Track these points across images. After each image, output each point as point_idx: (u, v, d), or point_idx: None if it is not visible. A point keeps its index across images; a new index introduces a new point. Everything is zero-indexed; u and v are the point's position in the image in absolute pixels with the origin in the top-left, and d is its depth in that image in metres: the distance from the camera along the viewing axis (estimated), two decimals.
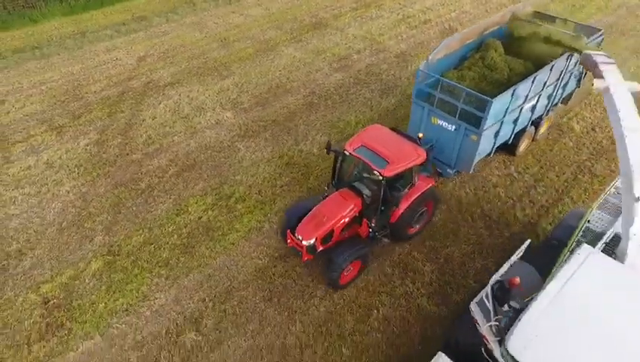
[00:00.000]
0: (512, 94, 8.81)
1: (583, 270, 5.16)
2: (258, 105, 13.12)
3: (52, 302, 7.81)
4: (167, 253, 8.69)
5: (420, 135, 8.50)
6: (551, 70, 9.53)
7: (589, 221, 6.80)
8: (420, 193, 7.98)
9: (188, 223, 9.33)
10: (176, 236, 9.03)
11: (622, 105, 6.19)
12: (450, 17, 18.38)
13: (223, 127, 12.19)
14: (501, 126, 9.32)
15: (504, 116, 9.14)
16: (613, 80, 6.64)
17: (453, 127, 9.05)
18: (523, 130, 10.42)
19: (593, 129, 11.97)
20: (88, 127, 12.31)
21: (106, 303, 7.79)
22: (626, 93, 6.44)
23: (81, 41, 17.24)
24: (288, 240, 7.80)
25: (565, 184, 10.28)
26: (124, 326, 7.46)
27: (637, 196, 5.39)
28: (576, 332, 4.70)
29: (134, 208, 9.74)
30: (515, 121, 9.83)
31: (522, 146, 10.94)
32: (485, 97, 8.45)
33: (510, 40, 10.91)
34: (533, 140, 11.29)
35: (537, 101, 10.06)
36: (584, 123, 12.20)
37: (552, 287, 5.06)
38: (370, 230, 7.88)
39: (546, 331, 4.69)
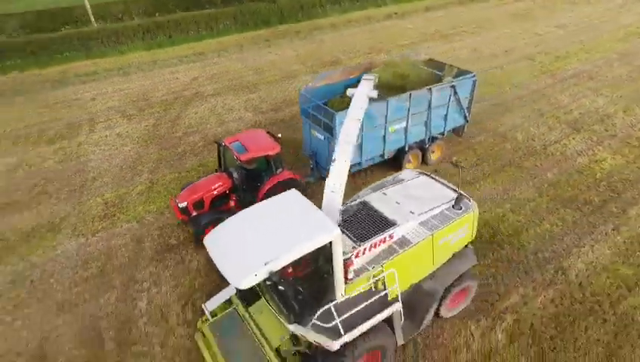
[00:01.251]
0: (387, 104, 10.79)
1: (279, 198, 6.40)
2: (272, 110, 17.32)
3: (110, 203, 11.84)
4: None
5: (279, 135, 10.58)
6: (409, 98, 11.19)
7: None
8: (281, 180, 10.12)
9: (206, 172, 13.24)
10: (196, 177, 12.95)
11: (355, 102, 7.80)
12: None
13: (243, 121, 16.40)
14: (362, 139, 10.99)
15: (363, 128, 10.57)
16: (360, 89, 8.22)
17: (322, 136, 11.20)
18: (403, 150, 12.17)
19: (532, 139, 14.78)
20: (149, 117, 17.03)
21: (143, 206, 11.68)
22: (362, 95, 7.98)
23: (153, 66, 22.95)
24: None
25: (491, 170, 13.09)
26: (152, 219, 11.24)
27: (333, 158, 6.77)
28: (244, 228, 5.94)
29: (172, 162, 13.86)
30: (384, 138, 11.53)
31: (408, 165, 12.49)
32: (332, 111, 10.49)
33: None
34: (425, 163, 12.94)
35: (407, 125, 11.67)
36: (527, 134, 15.04)
37: (251, 208, 6.28)
38: (238, 203, 10.27)
39: (227, 230, 5.99)
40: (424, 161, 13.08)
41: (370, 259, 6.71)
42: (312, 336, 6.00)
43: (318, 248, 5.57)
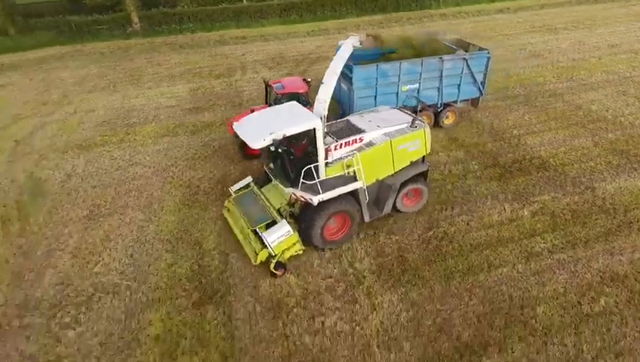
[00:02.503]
0: (377, 69, 12.89)
1: (285, 105, 9.69)
2: None
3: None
4: None
5: (310, 80, 13.95)
6: (422, 64, 13.26)
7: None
8: None
9: None
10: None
11: (343, 48, 10.51)
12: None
13: None
14: (376, 92, 13.25)
15: (376, 84, 13.11)
16: (348, 40, 10.96)
17: (346, 88, 13.62)
18: (416, 109, 12.66)
19: (606, 110, 16.42)
20: (284, 69, 22.10)
21: None
22: (349, 44, 10.68)
23: (287, 36, 28.40)
24: None
25: (557, 126, 15.37)
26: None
27: (322, 81, 9.53)
28: (259, 117, 9.10)
29: None
30: (397, 95, 13.52)
31: None
32: (351, 65, 12.53)
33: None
34: (438, 125, 14.71)
35: (419, 87, 13.59)
36: (602, 106, 16.64)
37: (265, 109, 9.75)
38: None
39: (248, 118, 9.22)
40: (437, 123, 14.74)
41: (345, 153, 9.33)
42: (300, 193, 8.81)
43: (306, 131, 8.38)
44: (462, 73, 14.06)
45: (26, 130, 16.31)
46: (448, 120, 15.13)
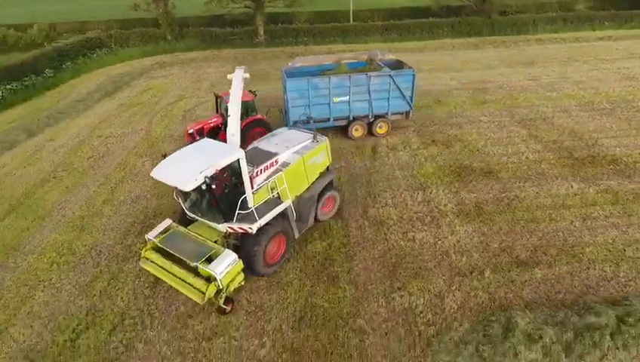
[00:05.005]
0: (308, 82, 15.01)
1: (198, 143, 9.40)
2: (470, 83, 23.87)
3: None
4: None
5: (256, 91, 16.15)
6: (349, 79, 15.26)
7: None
8: (253, 119, 15.09)
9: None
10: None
11: (235, 81, 10.91)
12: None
13: (447, 86, 23.44)
14: (309, 102, 15.18)
15: (310, 95, 15.11)
16: (237, 73, 11.28)
17: (285, 96, 15.68)
18: (352, 121, 16.16)
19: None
20: None
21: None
22: (239, 76, 11.09)
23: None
24: None
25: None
26: None
27: (228, 114, 10.15)
28: (180, 159, 8.80)
29: None
30: (329, 106, 15.50)
31: (355, 133, 16.41)
32: (285, 77, 15.43)
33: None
34: (372, 134, 16.50)
35: (350, 99, 15.51)
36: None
37: (179, 151, 9.14)
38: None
39: (167, 162, 8.74)
40: (370, 132, 16.62)
41: (266, 177, 9.72)
42: (237, 226, 8.90)
43: (232, 163, 8.54)
44: (390, 89, 15.80)
45: (189, 105, 21.71)
46: (382, 130, 16.77)
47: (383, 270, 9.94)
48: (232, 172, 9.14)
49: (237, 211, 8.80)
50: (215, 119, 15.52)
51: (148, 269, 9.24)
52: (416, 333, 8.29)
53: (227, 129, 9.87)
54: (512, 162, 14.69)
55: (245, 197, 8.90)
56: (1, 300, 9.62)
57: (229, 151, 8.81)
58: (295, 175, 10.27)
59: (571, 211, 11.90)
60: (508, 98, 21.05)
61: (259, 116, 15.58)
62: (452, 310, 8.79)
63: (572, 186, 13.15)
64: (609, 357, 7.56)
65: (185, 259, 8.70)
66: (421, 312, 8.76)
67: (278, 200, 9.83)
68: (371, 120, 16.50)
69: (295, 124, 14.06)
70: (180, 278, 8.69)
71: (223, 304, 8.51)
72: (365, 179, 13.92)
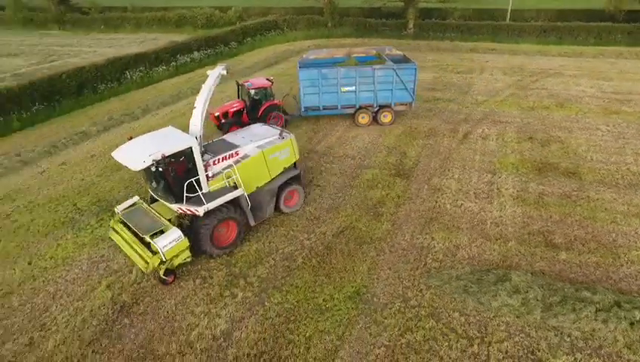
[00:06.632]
0: (319, 72, 16.93)
1: (161, 130, 10.40)
2: (614, 92, 22.08)
3: (484, 108, 21.38)
4: None
5: (272, 77, 18.14)
6: (356, 71, 17.02)
7: None
8: (270, 104, 17.29)
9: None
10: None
11: (210, 77, 10.83)
12: None
13: (580, 95, 22.19)
14: (321, 90, 17.17)
15: (320, 84, 17.01)
16: (216, 69, 11.00)
17: (299, 85, 17.52)
18: (358, 109, 17.80)
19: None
20: (516, 76, 25.42)
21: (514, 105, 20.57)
22: (216, 72, 10.89)
23: (535, 53, 30.85)
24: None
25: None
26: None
27: (194, 105, 10.38)
28: (137, 143, 9.63)
29: (527, 92, 21.96)
30: (337, 94, 17.30)
31: (361, 120, 18.12)
32: (299, 67, 17.51)
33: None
34: (378, 122, 18.13)
35: (357, 90, 17.18)
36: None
37: (143, 135, 10.11)
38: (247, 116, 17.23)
39: (127, 145, 9.65)
40: (375, 120, 18.18)
41: (224, 167, 10.54)
42: (186, 207, 9.65)
43: (185, 150, 9.36)
44: (393, 81, 17.21)
45: None
46: (386, 118, 18.26)
47: (420, 220, 11.98)
48: (187, 158, 9.78)
49: (185, 194, 9.66)
50: (237, 104, 17.43)
51: (113, 239, 10.49)
52: (423, 263, 10.32)
53: (191, 119, 10.50)
54: (606, 169, 14.40)
55: (192, 181, 9.67)
56: None
57: (181, 140, 9.68)
58: (254, 167, 10.96)
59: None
60: None
61: (276, 101, 17.72)
62: (462, 258, 10.47)
63: None
64: (582, 323, 8.38)
65: (137, 232, 9.76)
66: (435, 252, 10.68)
67: (232, 189, 10.47)
68: (376, 109, 18.11)
69: (306, 110, 17.73)
70: (133, 249, 9.73)
71: (164, 275, 9.47)
72: (444, 156, 15.63)
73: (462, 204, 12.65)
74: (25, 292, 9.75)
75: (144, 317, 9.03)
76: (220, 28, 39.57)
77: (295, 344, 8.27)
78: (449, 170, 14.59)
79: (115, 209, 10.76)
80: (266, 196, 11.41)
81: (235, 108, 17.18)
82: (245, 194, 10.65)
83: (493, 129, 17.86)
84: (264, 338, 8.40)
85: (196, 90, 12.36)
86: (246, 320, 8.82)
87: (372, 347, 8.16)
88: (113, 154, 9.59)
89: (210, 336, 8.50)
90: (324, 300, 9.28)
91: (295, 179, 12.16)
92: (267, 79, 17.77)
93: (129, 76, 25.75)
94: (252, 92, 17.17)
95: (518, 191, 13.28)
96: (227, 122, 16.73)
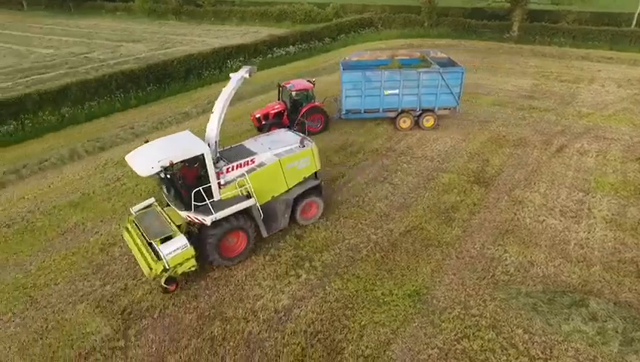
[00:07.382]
0: (362, 74, 16.43)
1: (177, 134, 10.27)
2: None
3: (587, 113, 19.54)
4: None
5: (314, 79, 18.17)
6: (400, 74, 16.43)
7: None
8: (311, 106, 17.08)
9: None
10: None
11: (232, 80, 10.43)
12: None
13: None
14: (363, 93, 16.67)
15: (363, 87, 16.50)
16: (240, 71, 10.58)
17: (342, 87, 17.00)
18: (400, 113, 17.37)
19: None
20: (632, 90, 22.64)
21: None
22: (239, 75, 10.49)
23: None
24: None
25: None
26: None
27: (213, 109, 10.10)
28: (151, 148, 9.51)
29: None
30: (380, 97, 16.73)
31: (402, 124, 17.72)
32: (342, 69, 16.93)
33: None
34: (419, 126, 17.79)
35: (400, 93, 16.68)
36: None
37: (156, 140, 9.98)
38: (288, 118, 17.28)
39: (141, 149, 9.53)
40: (417, 125, 17.80)
41: (238, 175, 10.11)
42: (194, 215, 9.39)
43: (196, 157, 9.12)
44: (438, 85, 16.67)
45: None
46: (428, 123, 17.84)
47: (494, 231, 11.49)
48: (199, 165, 9.52)
49: (192, 202, 9.34)
50: (278, 106, 17.44)
51: (125, 239, 10.34)
52: (491, 274, 9.95)
53: (208, 124, 10.27)
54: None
55: (199, 189, 9.31)
56: None
57: (194, 146, 9.34)
58: (269, 176, 10.42)
59: None
60: None
61: (317, 103, 17.49)
62: (535, 275, 9.88)
63: None
64: None
65: (145, 236, 9.57)
66: (506, 265, 10.22)
67: (244, 198, 10.03)
68: (419, 113, 17.66)
69: (347, 113, 17.31)
70: (140, 251, 9.54)
71: (166, 283, 9.25)
72: (532, 168, 14.67)
73: (544, 220, 11.85)
74: (125, 245, 11.33)
75: (218, 282, 10.02)
76: (317, 24, 40.80)
77: (350, 330, 8.59)
78: (535, 184, 13.68)
79: (131, 209, 10.70)
80: (281, 206, 10.88)
81: (275, 110, 17.32)
82: (258, 204, 10.16)
83: (595, 145, 16.26)
84: (321, 319, 8.84)
85: None
86: (306, 300, 9.34)
87: (425, 346, 8.17)
88: (127, 157, 9.49)
89: (272, 309, 9.18)
90: (382, 294, 9.45)
91: (315, 190, 11.47)
92: (309, 81, 17.82)
93: (230, 65, 27.91)
94: (293, 94, 17.09)
95: (613, 214, 12.05)
96: (267, 123, 16.93)
